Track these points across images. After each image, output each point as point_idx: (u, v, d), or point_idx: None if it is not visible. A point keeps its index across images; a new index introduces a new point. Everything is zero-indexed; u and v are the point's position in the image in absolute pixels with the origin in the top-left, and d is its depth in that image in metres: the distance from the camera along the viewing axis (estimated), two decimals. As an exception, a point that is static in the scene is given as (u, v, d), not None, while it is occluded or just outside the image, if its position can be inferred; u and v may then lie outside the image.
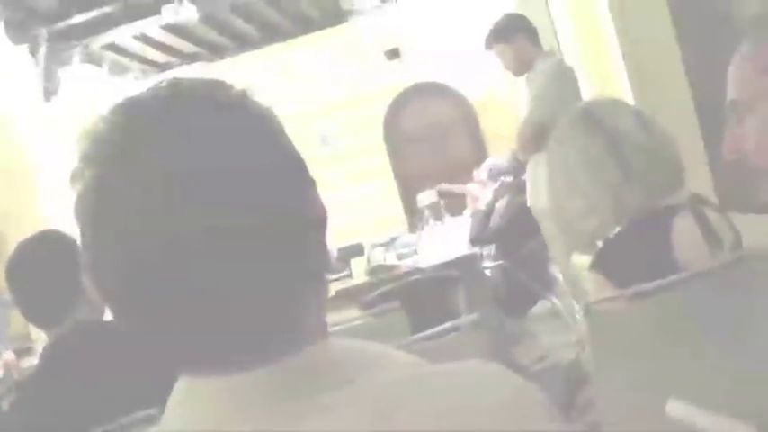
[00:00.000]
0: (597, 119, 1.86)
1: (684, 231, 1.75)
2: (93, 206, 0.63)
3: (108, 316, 1.99)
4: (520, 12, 4.37)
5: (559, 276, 4.18)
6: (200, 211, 0.60)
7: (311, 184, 0.68)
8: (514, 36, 3.80)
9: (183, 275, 0.60)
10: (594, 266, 1.81)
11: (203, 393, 0.63)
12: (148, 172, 0.60)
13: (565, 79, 3.69)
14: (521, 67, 3.82)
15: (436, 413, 0.61)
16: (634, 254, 1.78)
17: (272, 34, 8.44)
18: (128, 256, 0.61)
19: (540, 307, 4.65)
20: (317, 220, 0.67)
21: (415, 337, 2.14)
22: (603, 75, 4.04)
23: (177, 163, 0.61)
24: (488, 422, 0.61)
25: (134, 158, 0.61)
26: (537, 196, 3.61)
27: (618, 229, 1.85)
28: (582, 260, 3.02)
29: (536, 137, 3.31)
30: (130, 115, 0.64)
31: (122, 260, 0.61)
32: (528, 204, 3.86)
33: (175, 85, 0.66)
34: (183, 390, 0.65)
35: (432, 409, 0.61)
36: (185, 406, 0.64)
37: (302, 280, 0.64)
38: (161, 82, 0.66)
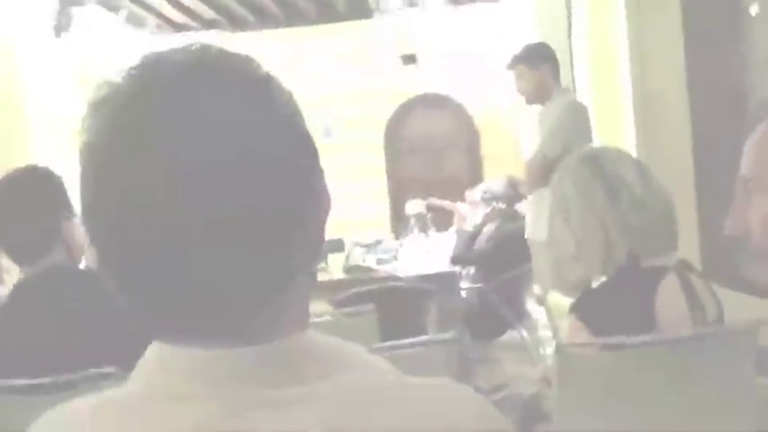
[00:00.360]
0: (602, 165, 1.87)
1: (669, 294, 1.76)
2: (101, 156, 0.62)
3: (84, 263, 1.99)
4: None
5: (535, 310, 4.19)
6: (207, 180, 0.59)
7: (320, 173, 0.68)
8: (541, 63, 3.82)
9: (178, 246, 0.60)
10: (574, 310, 1.82)
11: (177, 362, 0.63)
12: (163, 134, 0.60)
13: (579, 118, 3.71)
14: (536, 95, 3.83)
15: (398, 427, 0.61)
16: (615, 306, 1.79)
17: (294, 16, 8.42)
18: (124, 215, 0.60)
19: (507, 336, 4.65)
20: (320, 210, 0.67)
21: (383, 344, 2.15)
22: (611, 122, 4.07)
23: (194, 130, 0.60)
24: None
25: (151, 118, 0.61)
26: (536, 230, 3.62)
27: (603, 278, 1.86)
28: (558, 300, 3.05)
29: (545, 171, 3.32)
30: (156, 72, 0.63)
31: (118, 219, 0.60)
32: (526, 236, 3.87)
33: (206, 50, 0.65)
34: (157, 355, 0.65)
35: (395, 422, 0.61)
36: (156, 370, 0.64)
37: (296, 267, 0.64)
38: (191, 44, 0.65)
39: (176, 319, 0.63)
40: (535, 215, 3.66)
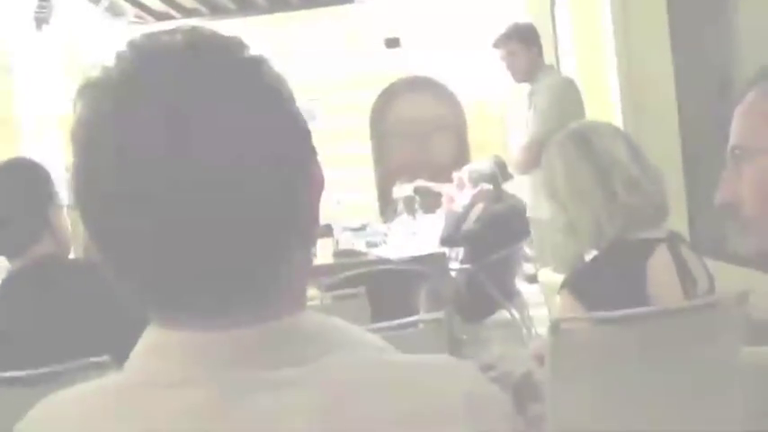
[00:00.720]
0: (588, 141, 1.85)
1: (660, 267, 1.76)
2: (95, 133, 0.62)
3: (73, 254, 1.97)
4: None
5: (525, 290, 4.20)
6: (197, 163, 0.59)
7: (313, 152, 0.68)
8: (530, 42, 3.80)
9: (170, 220, 0.60)
10: (566, 286, 1.81)
11: (173, 346, 0.63)
12: (153, 113, 0.60)
13: (571, 96, 3.69)
14: (525, 74, 3.81)
15: (397, 402, 0.62)
16: (606, 280, 1.78)
17: (276, 2, 8.35)
18: (121, 191, 0.60)
19: (497, 316, 4.67)
20: (313, 189, 0.67)
21: (374, 326, 2.15)
22: (597, 99, 4.06)
23: (184, 110, 0.60)
24: (449, 420, 0.61)
25: (142, 96, 0.61)
26: (537, 207, 3.60)
27: (594, 253, 1.86)
28: (550, 278, 3.06)
29: (539, 151, 3.32)
30: (147, 51, 0.64)
31: (115, 196, 0.61)
32: (528, 214, 3.84)
33: (195, 31, 0.65)
34: (152, 340, 0.65)
35: (394, 402, 0.62)
36: (151, 355, 0.65)
37: (289, 244, 0.65)
38: (179, 27, 0.65)
39: (174, 301, 0.62)
40: (534, 193, 3.65)
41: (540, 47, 3.86)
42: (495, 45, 3.83)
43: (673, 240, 1.83)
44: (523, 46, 3.77)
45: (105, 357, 1.56)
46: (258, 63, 0.65)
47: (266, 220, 0.62)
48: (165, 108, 0.60)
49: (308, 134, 0.67)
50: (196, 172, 0.59)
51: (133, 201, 0.60)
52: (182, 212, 0.60)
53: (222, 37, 0.65)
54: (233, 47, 0.65)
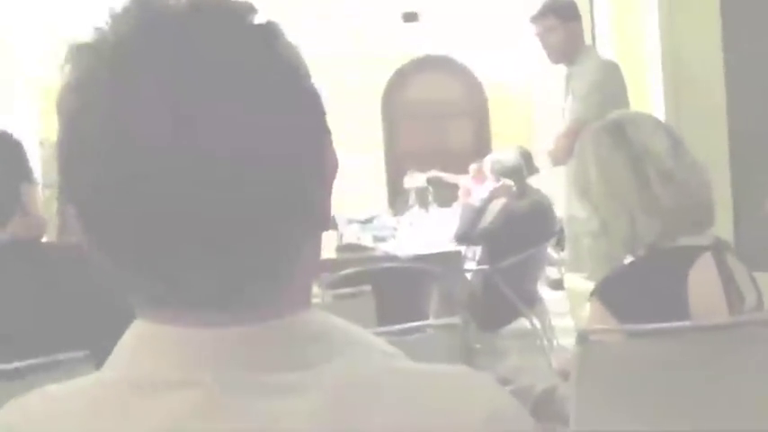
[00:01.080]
0: (623, 130, 1.85)
1: (703, 277, 1.74)
2: (87, 97, 0.61)
3: (47, 237, 1.96)
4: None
5: (549, 296, 4.18)
6: (201, 141, 0.59)
7: (327, 133, 0.68)
8: (572, 18, 3.78)
9: (169, 205, 0.59)
10: (596, 294, 1.80)
11: (163, 342, 0.63)
12: (152, 85, 0.60)
13: (615, 79, 3.65)
14: (564, 53, 3.77)
15: (407, 417, 0.61)
16: (642, 290, 1.77)
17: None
18: (116, 160, 0.59)
19: (516, 324, 4.67)
20: (326, 173, 0.67)
21: (380, 329, 2.14)
22: (635, 89, 4.03)
23: (191, 74, 0.60)
24: None
25: (140, 65, 0.60)
26: (572, 205, 3.58)
27: (629, 258, 1.85)
28: (578, 285, 3.04)
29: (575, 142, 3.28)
30: (146, 15, 0.63)
31: (109, 166, 0.60)
32: (562, 213, 3.83)
33: None
34: (139, 335, 0.64)
35: (399, 417, 0.61)
36: (137, 352, 0.64)
37: (296, 232, 0.64)
38: None
39: (169, 293, 0.62)
40: (569, 189, 3.62)
41: (580, 25, 3.83)
42: (532, 20, 3.80)
43: (718, 249, 1.81)
44: (562, 22, 3.74)
45: (84, 353, 1.54)
46: (272, 32, 0.65)
47: (274, 209, 0.62)
48: (165, 79, 0.59)
49: (323, 114, 0.67)
50: (198, 153, 0.59)
51: (127, 182, 0.59)
52: (183, 198, 0.59)
53: (232, 3, 0.65)
54: (243, 12, 0.64)
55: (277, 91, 0.62)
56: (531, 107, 8.01)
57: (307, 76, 0.66)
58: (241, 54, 0.62)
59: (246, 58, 0.62)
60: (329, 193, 0.68)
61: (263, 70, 0.62)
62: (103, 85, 0.61)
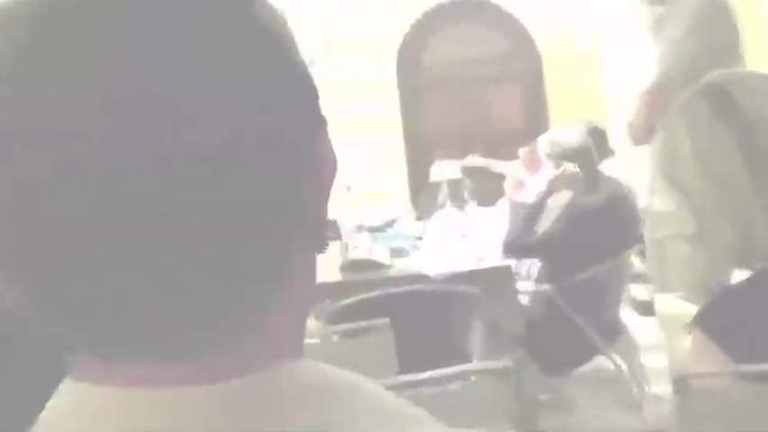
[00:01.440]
0: (729, 96, 1.88)
1: None
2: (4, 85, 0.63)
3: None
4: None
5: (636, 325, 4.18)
6: (163, 119, 0.61)
7: (322, 122, 0.71)
8: None
9: (111, 208, 0.60)
10: (698, 323, 1.83)
11: (112, 410, 0.64)
12: (105, 51, 0.62)
13: (721, 25, 3.66)
14: None
15: None
16: (758, 318, 1.79)
17: None
18: (42, 170, 0.61)
19: (591, 366, 4.69)
20: (322, 172, 0.70)
21: (402, 378, 2.16)
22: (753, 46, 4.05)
23: (149, 50, 0.62)
24: None
25: (83, 30, 0.62)
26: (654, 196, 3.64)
27: (739, 274, 1.89)
28: (674, 308, 3.03)
29: (666, 104, 3.28)
30: None
31: (32, 179, 0.61)
32: (641, 206, 3.85)
33: None
34: (80, 400, 0.66)
35: None
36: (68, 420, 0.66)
37: (284, 255, 0.67)
38: None
39: (110, 339, 0.64)
40: (653, 176, 3.67)
41: None
42: None
43: None
44: None
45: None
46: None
47: (254, 219, 0.64)
48: (119, 49, 0.61)
49: (315, 97, 0.70)
50: (156, 136, 0.60)
51: (53, 177, 0.60)
52: (131, 198, 0.60)
53: None
54: None
55: (256, 69, 0.65)
56: (599, 69, 8.05)
57: (293, 48, 0.69)
58: (208, 22, 0.64)
59: (215, 28, 0.64)
60: (327, 198, 0.71)
61: (237, 43, 0.65)
62: (21, 64, 0.62)
